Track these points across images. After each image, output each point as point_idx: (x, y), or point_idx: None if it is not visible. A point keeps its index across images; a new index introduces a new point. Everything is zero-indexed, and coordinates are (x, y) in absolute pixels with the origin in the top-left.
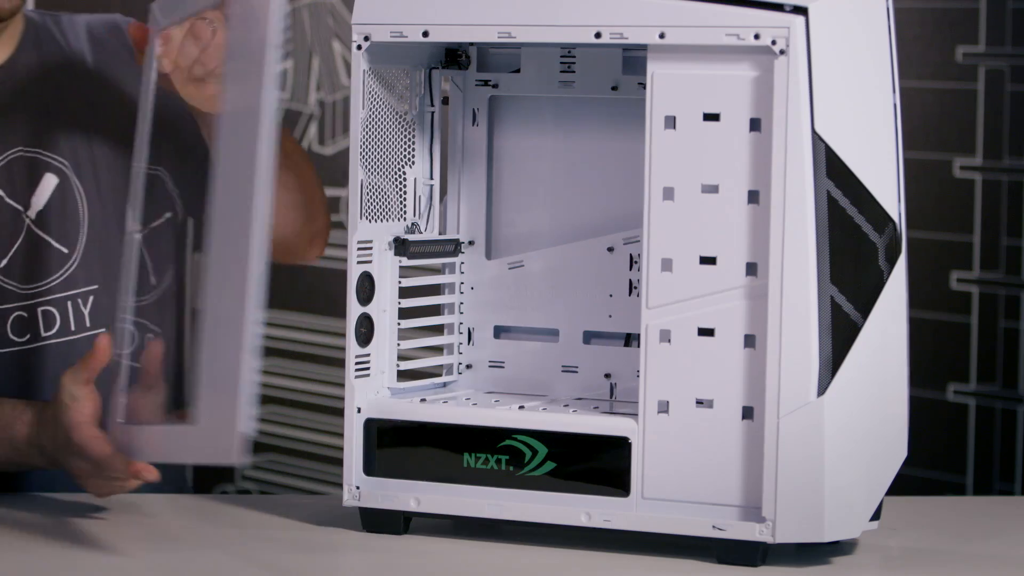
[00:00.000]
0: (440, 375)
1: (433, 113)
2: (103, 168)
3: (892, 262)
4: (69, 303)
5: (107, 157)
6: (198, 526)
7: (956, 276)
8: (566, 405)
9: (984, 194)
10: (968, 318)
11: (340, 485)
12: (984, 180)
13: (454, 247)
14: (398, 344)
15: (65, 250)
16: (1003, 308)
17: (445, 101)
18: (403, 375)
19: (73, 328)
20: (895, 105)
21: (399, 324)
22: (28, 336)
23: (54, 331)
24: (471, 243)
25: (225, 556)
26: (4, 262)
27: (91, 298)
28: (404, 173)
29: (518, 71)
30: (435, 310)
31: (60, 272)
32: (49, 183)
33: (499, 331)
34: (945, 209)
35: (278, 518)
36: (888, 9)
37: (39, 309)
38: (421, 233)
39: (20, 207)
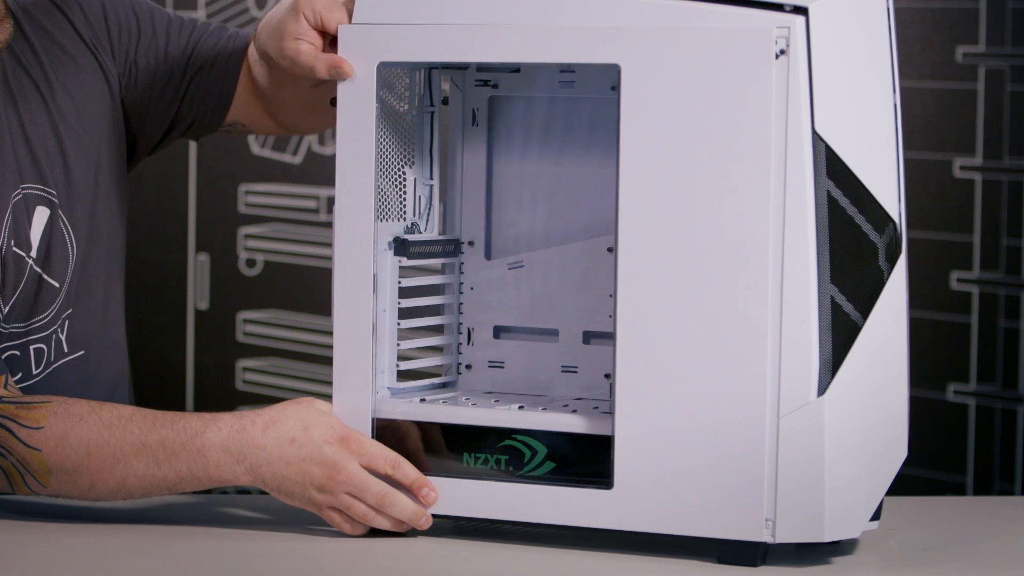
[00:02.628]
0: (440, 375)
1: (433, 113)
2: (77, 186)
3: (892, 262)
4: (53, 337)
5: (80, 174)
6: (198, 526)
7: (956, 276)
8: (565, 405)
9: (984, 194)
10: (968, 318)
11: None
12: (984, 180)
13: (454, 247)
14: (398, 344)
15: (56, 284)
16: (1003, 308)
17: (445, 101)
18: (403, 375)
19: (53, 358)
20: (895, 105)
21: (399, 324)
22: (19, 375)
23: (41, 367)
24: (471, 243)
25: (224, 557)
26: (6, 309)
27: (67, 323)
28: (404, 173)
29: (518, 71)
30: (435, 310)
31: (52, 307)
32: (42, 217)
33: (499, 331)
34: (945, 209)
35: (278, 518)
36: (888, 9)
37: (31, 347)
38: (421, 233)
39: (23, 252)
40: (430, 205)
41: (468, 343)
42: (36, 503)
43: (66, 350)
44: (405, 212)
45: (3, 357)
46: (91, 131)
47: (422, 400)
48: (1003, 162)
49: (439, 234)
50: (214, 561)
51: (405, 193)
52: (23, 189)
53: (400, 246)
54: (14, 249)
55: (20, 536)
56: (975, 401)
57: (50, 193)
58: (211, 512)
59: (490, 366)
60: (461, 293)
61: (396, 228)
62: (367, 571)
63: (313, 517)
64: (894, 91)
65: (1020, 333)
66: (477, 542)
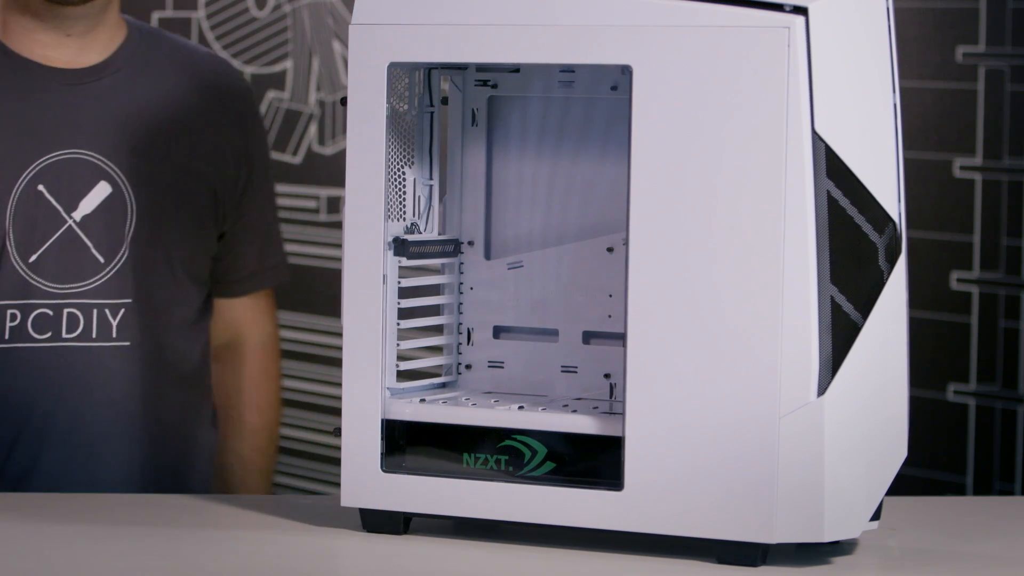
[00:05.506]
0: (439, 375)
1: (432, 113)
2: (164, 190)
3: (892, 262)
4: (95, 310)
5: (175, 182)
6: (198, 527)
7: (956, 276)
8: (565, 405)
9: (984, 194)
10: (968, 318)
11: (340, 485)
12: (984, 180)
13: (453, 247)
14: (398, 344)
15: (102, 259)
16: (1003, 308)
17: (444, 101)
18: (403, 375)
19: (95, 335)
20: (895, 105)
21: (399, 324)
22: (49, 334)
23: (75, 334)
24: (471, 243)
25: (225, 557)
26: (34, 258)
27: (121, 311)
28: (403, 173)
29: (517, 71)
30: (435, 310)
31: (93, 279)
32: (102, 191)
33: (498, 331)
34: (945, 209)
35: (278, 518)
36: (888, 9)
37: (64, 310)
38: (420, 233)
39: (60, 207)
40: (430, 205)
41: (468, 343)
42: (33, 503)
43: (114, 336)
44: (405, 212)
45: (34, 314)
46: (190, 175)
47: (422, 400)
48: (1003, 162)
49: (439, 234)
50: (214, 559)
51: (405, 193)
52: (81, 153)
53: (399, 246)
54: (47, 196)
55: (17, 533)
56: (975, 401)
57: (117, 171)
58: (211, 510)
59: (490, 366)
60: (461, 293)
61: (396, 228)
62: (367, 571)
63: (312, 516)
64: (894, 91)
65: (1020, 333)
66: (477, 542)
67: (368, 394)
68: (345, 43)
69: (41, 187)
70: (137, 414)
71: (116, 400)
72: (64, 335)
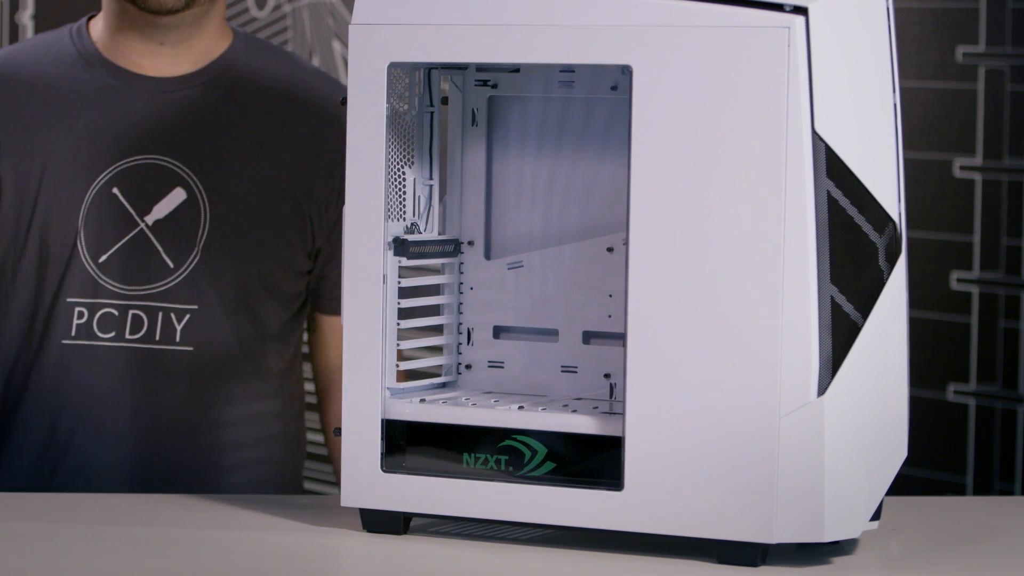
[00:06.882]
0: (439, 375)
1: (432, 113)
2: (241, 201)
3: (892, 262)
4: (160, 313)
5: (254, 194)
6: (198, 526)
7: (956, 276)
8: (565, 405)
9: (984, 194)
10: (968, 318)
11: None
12: (984, 180)
13: (453, 247)
14: (398, 344)
15: (171, 264)
16: (1003, 308)
17: (444, 101)
18: (403, 375)
19: (158, 338)
20: (895, 105)
21: (399, 324)
22: (113, 334)
23: (139, 335)
24: (471, 243)
25: (225, 557)
26: (104, 258)
27: (187, 316)
28: (403, 173)
29: (517, 71)
30: (434, 310)
31: (160, 282)
32: (176, 197)
33: (498, 331)
34: (945, 209)
35: (278, 518)
36: (888, 9)
37: (130, 311)
38: (420, 233)
39: (133, 210)
40: (429, 205)
41: (468, 343)
42: (33, 503)
43: (178, 340)
44: (404, 212)
45: (99, 313)
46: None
47: (422, 400)
48: (1003, 162)
49: (438, 234)
50: (214, 559)
51: (405, 193)
52: (159, 159)
53: (399, 246)
54: (122, 199)
55: (18, 533)
56: (975, 401)
57: (194, 180)
58: (211, 510)
59: (490, 366)
60: (461, 293)
61: (395, 228)
62: (367, 571)
63: (312, 516)
64: (894, 91)
65: (1020, 333)
66: (477, 542)
67: (368, 394)
68: (345, 43)
69: (115, 190)
70: (194, 419)
71: (174, 403)
72: (127, 335)
